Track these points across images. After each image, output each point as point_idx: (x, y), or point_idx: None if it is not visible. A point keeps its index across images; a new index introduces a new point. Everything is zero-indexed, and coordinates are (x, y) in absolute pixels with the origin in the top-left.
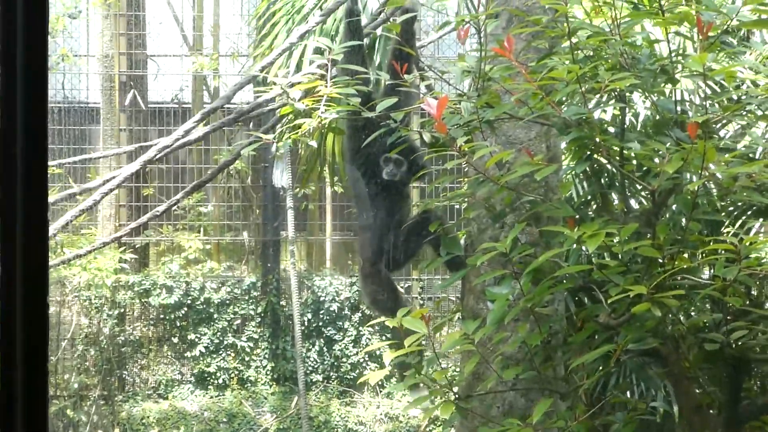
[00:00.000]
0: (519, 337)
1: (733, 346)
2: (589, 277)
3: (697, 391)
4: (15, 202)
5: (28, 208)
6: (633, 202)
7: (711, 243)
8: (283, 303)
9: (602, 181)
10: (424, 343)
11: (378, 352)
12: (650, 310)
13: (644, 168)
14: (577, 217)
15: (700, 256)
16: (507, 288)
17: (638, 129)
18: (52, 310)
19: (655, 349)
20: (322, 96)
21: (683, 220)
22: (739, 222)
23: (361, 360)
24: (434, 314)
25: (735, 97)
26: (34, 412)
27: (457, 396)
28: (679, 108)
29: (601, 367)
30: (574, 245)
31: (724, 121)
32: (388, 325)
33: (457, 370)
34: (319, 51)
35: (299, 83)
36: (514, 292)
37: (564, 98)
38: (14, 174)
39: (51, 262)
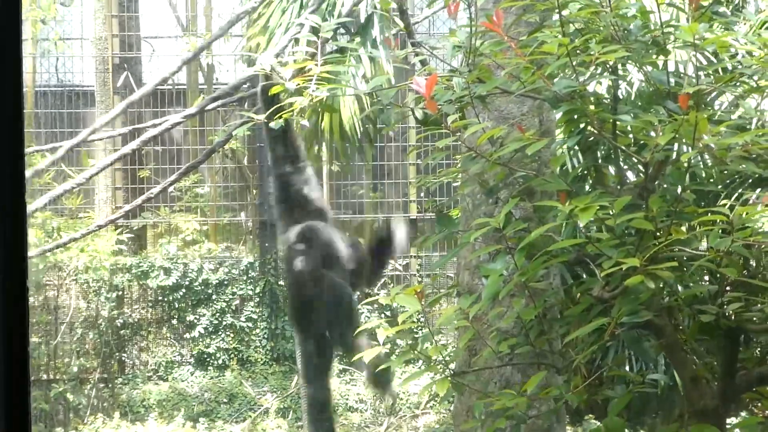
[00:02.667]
0: (514, 312)
1: (729, 317)
2: (583, 250)
3: (695, 362)
4: None
5: (3, 191)
6: (630, 175)
7: (705, 214)
8: (281, 283)
9: (597, 154)
10: (422, 319)
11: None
12: (644, 282)
13: (641, 142)
14: (572, 190)
15: (697, 228)
16: (501, 263)
17: (633, 101)
18: (50, 294)
19: (650, 321)
20: (313, 75)
21: (677, 191)
22: (737, 194)
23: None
24: (432, 291)
25: (730, 67)
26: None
27: (453, 372)
28: (672, 80)
29: (595, 341)
30: (568, 219)
31: (717, 93)
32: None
33: (455, 346)
34: (315, 31)
35: (289, 62)
36: (508, 267)
37: (556, 72)
38: None
39: (47, 246)
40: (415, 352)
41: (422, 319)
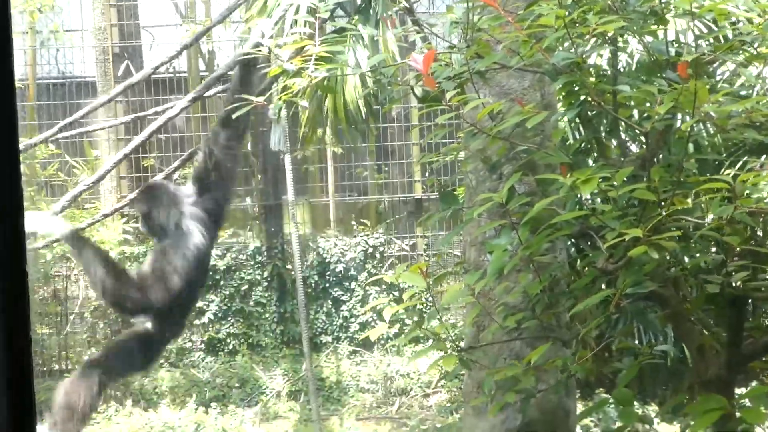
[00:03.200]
0: (520, 286)
1: (735, 286)
2: (587, 223)
3: (701, 332)
4: None
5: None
6: (634, 147)
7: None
8: (288, 267)
9: (600, 126)
10: (430, 297)
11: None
12: (647, 253)
13: (645, 114)
14: (573, 163)
15: (700, 197)
16: (505, 239)
17: (633, 72)
18: (59, 285)
19: (655, 292)
20: (311, 55)
21: (679, 161)
22: (741, 162)
23: (370, 319)
24: (439, 269)
25: (730, 35)
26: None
27: (460, 348)
28: (672, 50)
29: (601, 313)
30: (571, 192)
31: (719, 62)
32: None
33: (462, 323)
34: (312, 12)
35: (287, 44)
36: (512, 242)
37: (554, 44)
38: None
39: (53, 238)
40: (422, 329)
41: (429, 298)
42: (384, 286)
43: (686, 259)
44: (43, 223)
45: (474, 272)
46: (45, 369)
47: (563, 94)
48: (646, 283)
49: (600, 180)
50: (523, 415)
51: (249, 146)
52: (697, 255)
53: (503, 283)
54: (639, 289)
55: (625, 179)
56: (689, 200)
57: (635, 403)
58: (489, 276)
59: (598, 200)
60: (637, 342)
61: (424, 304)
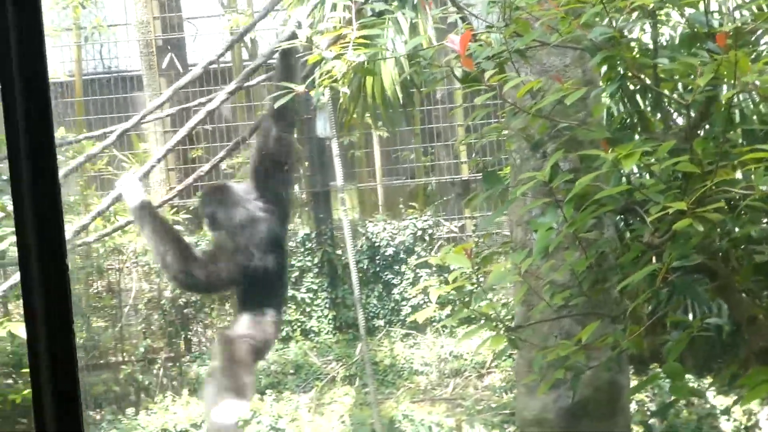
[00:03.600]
0: (567, 263)
1: None
2: (631, 198)
3: (751, 303)
4: (21, 173)
5: (36, 179)
6: (681, 120)
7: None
8: (339, 252)
9: (644, 100)
10: (481, 279)
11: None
12: (692, 225)
13: (688, 86)
14: (614, 138)
15: (748, 167)
16: (550, 216)
17: (675, 45)
18: (112, 279)
19: (703, 264)
20: (349, 41)
21: (723, 132)
22: None
23: (421, 302)
24: (486, 249)
25: None
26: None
27: (509, 328)
28: (713, 20)
29: (648, 287)
30: (614, 167)
31: (761, 30)
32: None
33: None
34: None
35: (325, 30)
36: (558, 220)
37: (593, 20)
38: (18, 146)
39: (105, 231)
40: (470, 310)
41: (477, 279)
42: (434, 268)
43: (734, 230)
44: (129, 185)
45: (520, 251)
46: (102, 362)
47: (603, 69)
48: (692, 256)
49: (642, 154)
50: (573, 393)
51: (295, 134)
52: (745, 226)
53: (549, 261)
54: (686, 262)
55: (669, 153)
56: (735, 171)
57: (688, 376)
58: (535, 254)
59: (645, 175)
60: (691, 316)
61: (474, 285)
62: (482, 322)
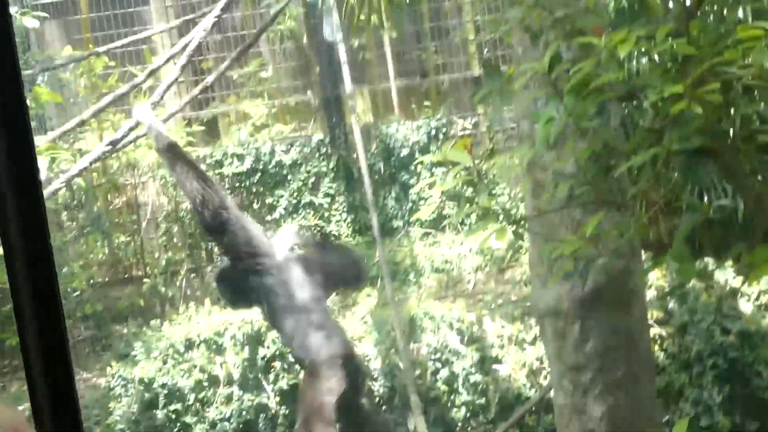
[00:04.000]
0: (570, 153)
1: None
2: (631, 83)
3: (756, 183)
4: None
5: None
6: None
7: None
8: (354, 155)
9: None
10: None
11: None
12: (690, 107)
13: None
14: (616, 24)
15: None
16: (551, 106)
17: None
18: (129, 194)
19: (706, 146)
20: None
21: (721, 13)
22: None
23: (439, 200)
24: (495, 144)
25: None
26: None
27: (515, 220)
28: None
29: (651, 171)
30: (612, 54)
31: None
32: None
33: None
34: None
35: None
36: (560, 110)
37: None
38: None
39: (119, 146)
40: (474, 204)
41: (479, 173)
42: (450, 167)
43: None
44: (146, 117)
45: (523, 143)
46: (126, 276)
47: None
48: (693, 138)
49: (639, 39)
50: (583, 282)
51: (305, 39)
52: (747, 105)
53: (553, 152)
54: (687, 144)
55: (668, 37)
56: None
57: (707, 259)
58: (537, 145)
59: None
60: (706, 200)
61: (475, 180)
62: (488, 216)
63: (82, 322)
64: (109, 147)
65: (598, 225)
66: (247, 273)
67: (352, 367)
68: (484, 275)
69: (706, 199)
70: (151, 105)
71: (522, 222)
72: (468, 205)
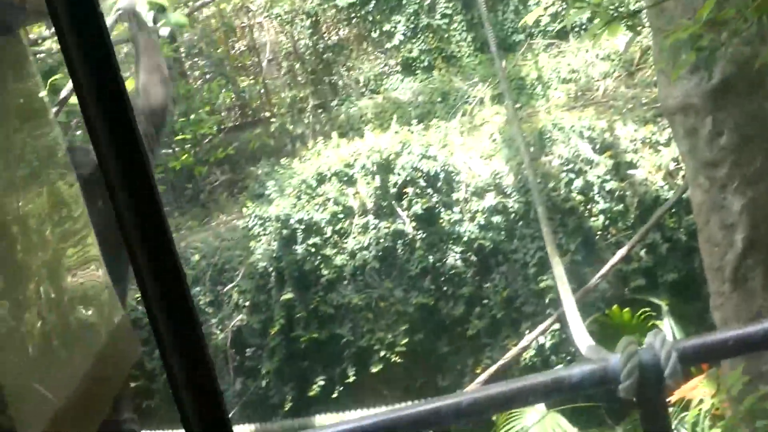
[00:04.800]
0: None
1: None
2: None
3: None
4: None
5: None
6: None
7: None
8: None
9: None
10: None
11: None
12: None
13: None
14: None
15: None
16: None
17: None
18: (247, 37)
19: None
20: None
21: None
22: None
23: (559, 8)
24: None
25: None
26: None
27: (626, 14)
28: None
29: None
30: None
31: None
32: None
33: None
34: None
35: None
36: None
37: None
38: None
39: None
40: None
41: None
42: None
43: None
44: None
45: None
46: (254, 119)
47: None
48: None
49: None
50: (710, 74)
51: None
52: None
53: None
54: None
55: None
56: None
57: None
58: None
59: None
60: None
61: None
62: (598, 13)
63: (217, 166)
64: None
65: (715, 7)
66: None
67: None
68: (614, 81)
69: None
70: None
71: (637, 14)
72: (577, 2)
